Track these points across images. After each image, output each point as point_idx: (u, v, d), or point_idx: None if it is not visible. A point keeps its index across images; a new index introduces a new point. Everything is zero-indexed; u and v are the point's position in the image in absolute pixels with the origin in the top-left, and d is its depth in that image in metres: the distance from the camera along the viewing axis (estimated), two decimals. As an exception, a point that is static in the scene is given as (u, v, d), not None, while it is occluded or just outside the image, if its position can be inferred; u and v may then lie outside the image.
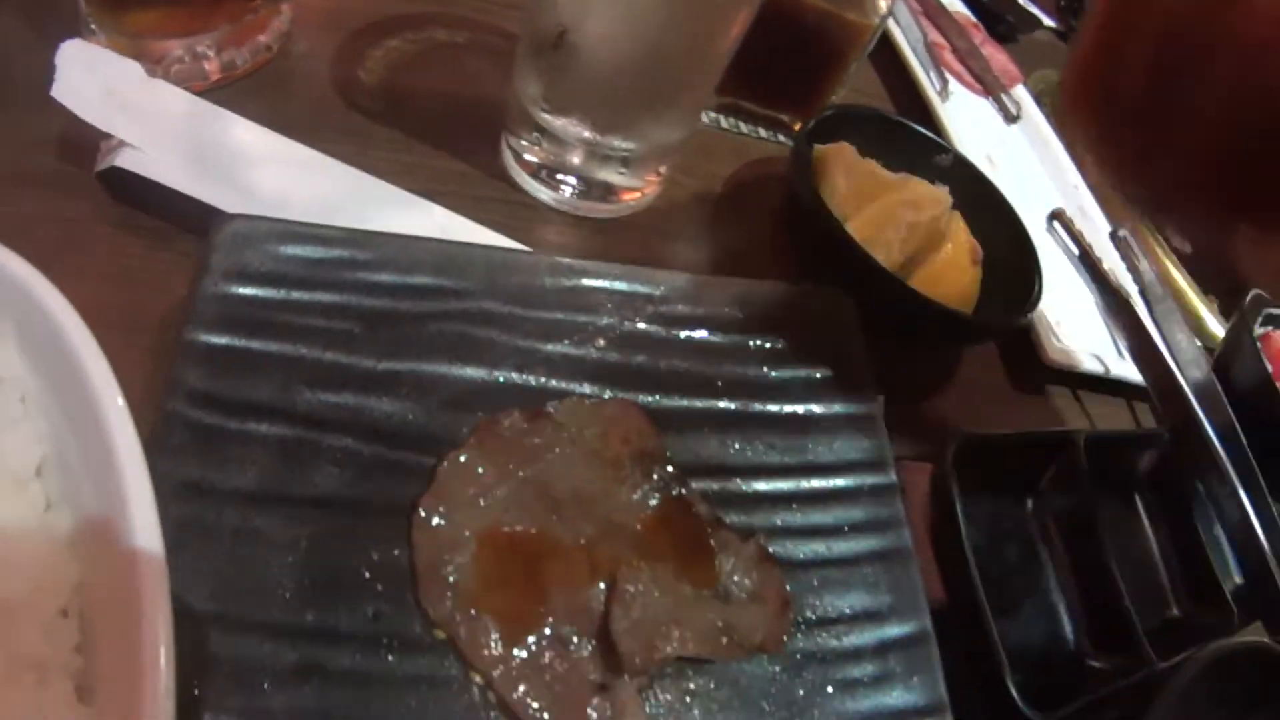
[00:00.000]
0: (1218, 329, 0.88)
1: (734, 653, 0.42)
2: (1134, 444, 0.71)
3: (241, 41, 0.58)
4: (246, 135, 0.52)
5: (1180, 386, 0.72)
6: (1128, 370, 0.77)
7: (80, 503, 0.34)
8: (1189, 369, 0.74)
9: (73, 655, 0.32)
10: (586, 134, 0.57)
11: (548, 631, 0.40)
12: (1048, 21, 1.12)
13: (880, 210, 0.61)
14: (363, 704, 0.36)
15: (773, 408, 0.50)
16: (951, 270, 0.63)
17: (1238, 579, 0.68)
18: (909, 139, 0.71)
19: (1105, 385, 0.78)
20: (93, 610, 0.33)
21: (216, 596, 0.36)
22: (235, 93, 0.56)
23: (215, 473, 0.39)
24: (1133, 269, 0.84)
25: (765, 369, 0.51)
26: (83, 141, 0.49)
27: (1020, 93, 0.94)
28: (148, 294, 0.47)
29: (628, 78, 0.55)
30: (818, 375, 0.52)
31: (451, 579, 0.39)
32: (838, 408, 0.51)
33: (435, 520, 0.40)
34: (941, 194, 0.65)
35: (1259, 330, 0.81)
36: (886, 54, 0.88)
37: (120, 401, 0.33)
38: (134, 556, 0.31)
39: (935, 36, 0.93)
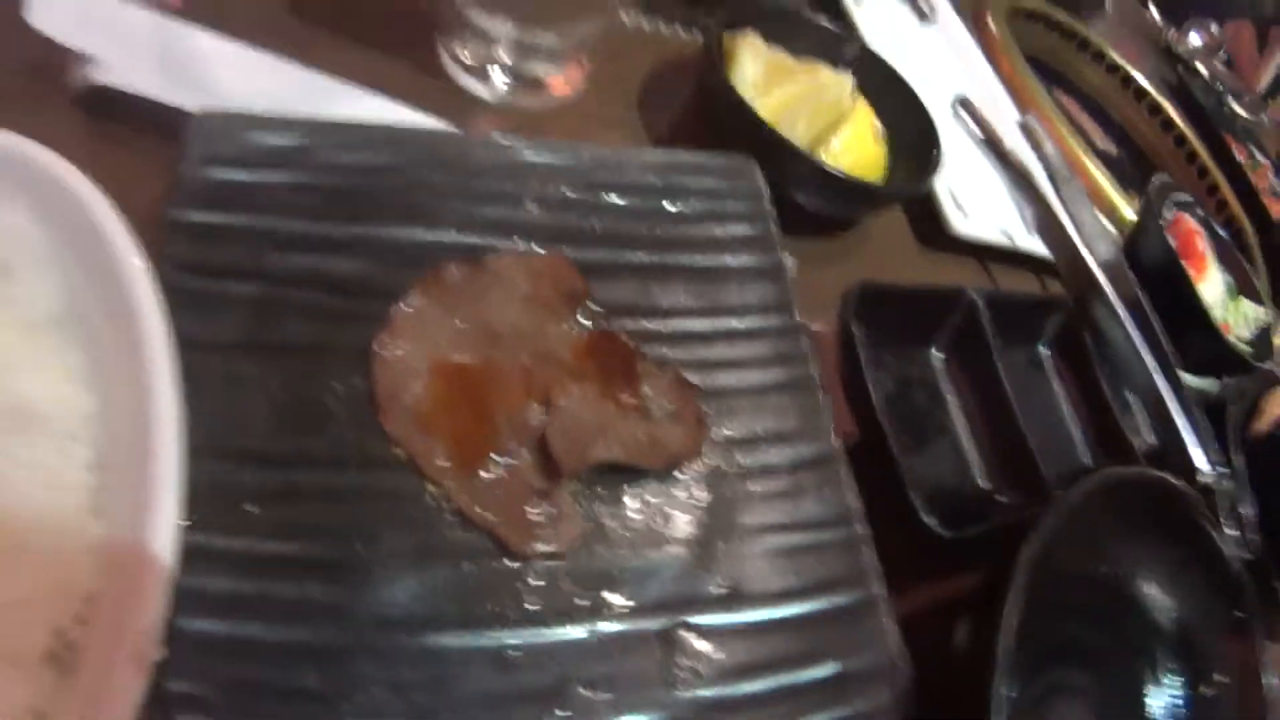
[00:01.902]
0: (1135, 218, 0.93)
1: (656, 460, 0.47)
2: (1035, 306, 0.76)
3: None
4: (209, 45, 0.57)
5: (1083, 257, 0.78)
6: (1034, 245, 0.83)
7: (98, 349, 0.38)
8: (1095, 244, 0.81)
9: (85, 473, 0.36)
10: (512, 30, 0.62)
11: (493, 445, 0.45)
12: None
13: (787, 94, 0.67)
14: (335, 514, 0.41)
15: (686, 260, 0.55)
16: (855, 147, 0.69)
17: (1147, 438, 0.75)
18: (815, 32, 0.76)
19: (1012, 259, 0.84)
20: (107, 437, 0.37)
21: (204, 435, 0.39)
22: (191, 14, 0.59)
23: (199, 327, 0.43)
24: (1039, 153, 0.90)
25: (681, 227, 0.56)
26: (52, 64, 0.52)
27: (935, -5, 1.00)
28: (122, 191, 0.49)
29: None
30: (729, 232, 0.57)
31: (408, 404, 0.45)
32: (746, 258, 0.56)
33: (392, 355, 0.46)
34: (845, 78, 0.70)
35: (1169, 214, 0.87)
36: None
37: (138, 261, 0.39)
38: (149, 385, 0.37)
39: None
